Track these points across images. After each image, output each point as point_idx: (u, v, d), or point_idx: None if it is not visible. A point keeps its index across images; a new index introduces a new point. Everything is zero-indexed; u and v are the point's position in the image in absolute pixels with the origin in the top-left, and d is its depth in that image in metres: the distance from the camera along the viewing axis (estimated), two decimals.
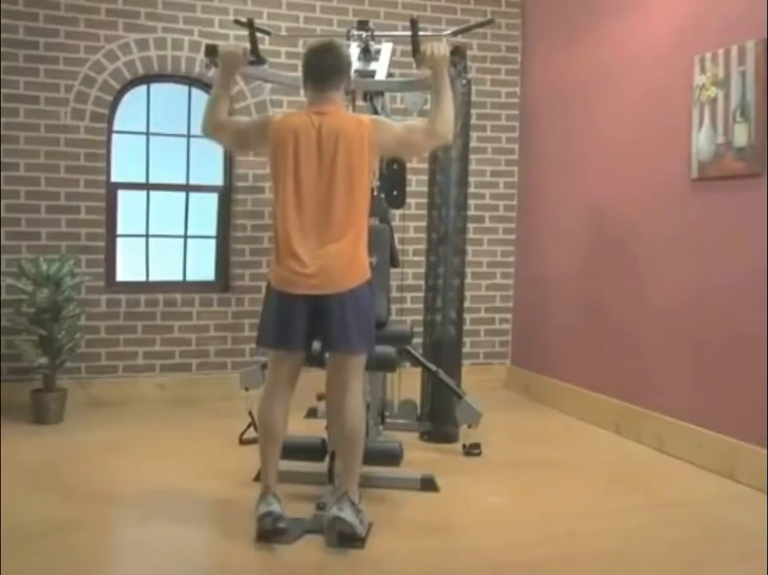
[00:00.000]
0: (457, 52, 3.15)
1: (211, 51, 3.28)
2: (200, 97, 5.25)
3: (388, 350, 3.62)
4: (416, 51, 3.09)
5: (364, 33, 3.77)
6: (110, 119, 5.14)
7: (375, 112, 3.80)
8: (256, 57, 3.26)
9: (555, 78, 5.43)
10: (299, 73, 3.14)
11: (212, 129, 3.13)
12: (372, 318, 3.08)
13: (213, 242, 5.46)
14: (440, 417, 4.49)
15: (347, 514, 2.92)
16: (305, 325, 2.95)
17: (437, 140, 3.09)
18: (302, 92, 3.25)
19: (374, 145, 2.99)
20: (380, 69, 3.68)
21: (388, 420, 4.35)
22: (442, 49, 3.03)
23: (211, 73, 3.96)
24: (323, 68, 3.01)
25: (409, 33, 3.20)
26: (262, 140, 3.05)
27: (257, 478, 3.37)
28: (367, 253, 3.06)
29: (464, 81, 4.51)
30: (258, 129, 3.09)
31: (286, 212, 2.95)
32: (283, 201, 2.96)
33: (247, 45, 3.27)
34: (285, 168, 2.95)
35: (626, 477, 3.94)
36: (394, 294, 4.78)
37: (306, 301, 2.93)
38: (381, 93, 3.89)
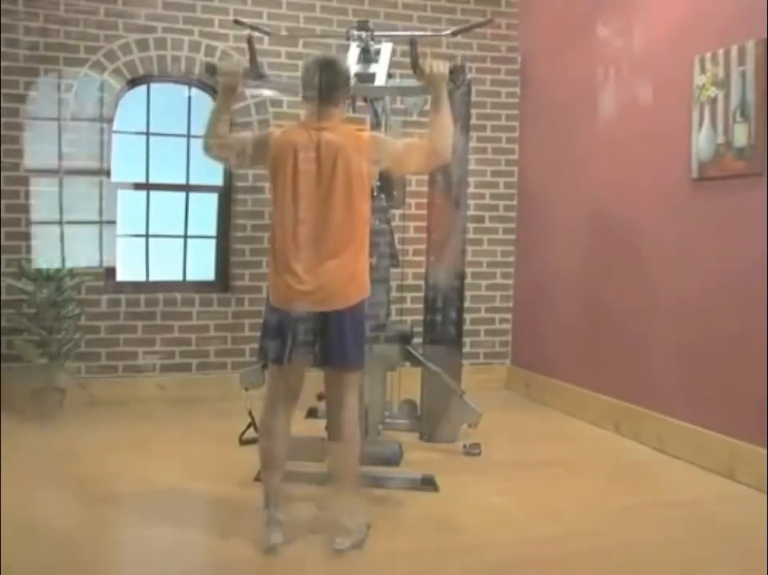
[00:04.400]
0: (457, 71, 3.10)
1: (211, 69, 3.24)
2: (200, 97, 5.26)
3: (388, 350, 3.62)
4: (415, 68, 3.08)
5: (364, 34, 3.76)
6: (110, 119, 5.14)
7: (375, 113, 3.80)
8: (256, 74, 3.23)
9: (555, 78, 5.43)
10: (299, 74, 3.13)
11: (213, 147, 3.10)
12: (366, 330, 3.08)
13: (213, 242, 5.46)
14: (440, 417, 4.49)
15: (346, 545, 2.94)
16: (304, 339, 2.94)
17: (436, 158, 3.07)
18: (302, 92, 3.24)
19: (372, 162, 2.98)
20: (380, 71, 3.66)
21: (388, 420, 4.35)
22: (441, 67, 3.01)
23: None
24: (322, 84, 2.98)
25: (408, 33, 3.20)
26: (262, 156, 3.03)
27: (257, 478, 3.37)
28: (368, 269, 3.04)
29: (464, 90, 4.48)
30: (258, 146, 3.06)
31: (284, 227, 2.93)
32: (281, 216, 2.95)
33: (246, 61, 3.24)
34: (284, 183, 2.93)
35: (626, 477, 3.94)
36: (394, 294, 4.77)
37: (304, 316, 2.92)
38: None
